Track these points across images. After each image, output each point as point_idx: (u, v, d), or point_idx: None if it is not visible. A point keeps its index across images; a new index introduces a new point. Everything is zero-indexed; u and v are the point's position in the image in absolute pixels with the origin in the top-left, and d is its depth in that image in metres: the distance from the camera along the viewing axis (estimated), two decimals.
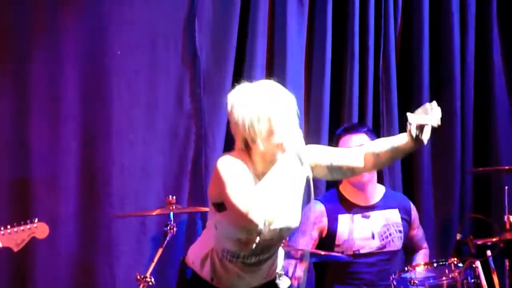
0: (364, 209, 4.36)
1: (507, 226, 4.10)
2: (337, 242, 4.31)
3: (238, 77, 4.60)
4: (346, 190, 4.39)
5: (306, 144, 3.07)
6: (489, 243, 4.13)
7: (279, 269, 3.29)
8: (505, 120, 5.13)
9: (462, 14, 5.11)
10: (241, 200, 2.91)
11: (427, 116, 2.93)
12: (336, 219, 4.33)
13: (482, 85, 5.15)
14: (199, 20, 4.60)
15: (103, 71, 4.48)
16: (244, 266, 3.13)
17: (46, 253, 4.32)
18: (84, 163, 4.43)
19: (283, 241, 3.34)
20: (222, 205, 3.01)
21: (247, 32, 4.67)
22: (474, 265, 4.02)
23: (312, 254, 4.19)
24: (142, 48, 4.54)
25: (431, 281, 4.02)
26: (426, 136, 2.95)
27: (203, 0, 4.61)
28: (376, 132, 4.71)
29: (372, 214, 4.36)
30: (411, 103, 5.04)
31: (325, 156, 3.17)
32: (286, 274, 3.84)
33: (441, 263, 4.02)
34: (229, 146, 4.49)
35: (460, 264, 3.95)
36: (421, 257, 4.50)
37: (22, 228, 3.72)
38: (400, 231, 4.38)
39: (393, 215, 4.39)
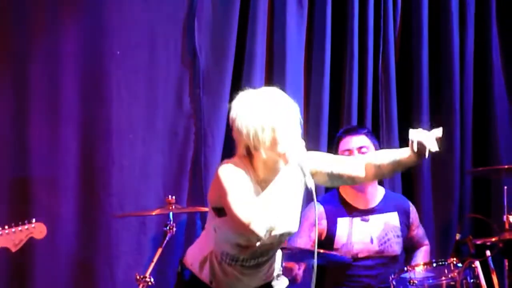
0: (364, 213, 4.35)
1: (506, 226, 4.10)
2: (335, 246, 4.30)
3: (237, 77, 4.64)
4: (346, 192, 4.38)
5: (306, 144, 3.07)
6: (488, 243, 4.13)
7: (277, 271, 3.30)
8: (505, 120, 5.13)
9: (461, 14, 5.11)
10: (243, 211, 2.90)
11: (428, 133, 2.98)
12: (335, 223, 4.33)
13: (481, 84, 5.15)
14: (198, 20, 4.60)
15: (102, 71, 4.48)
16: (243, 269, 3.14)
17: (46, 253, 4.32)
18: (84, 163, 4.44)
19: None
20: (222, 210, 3.01)
21: (246, 32, 4.67)
22: (473, 265, 4.02)
23: (312, 253, 4.17)
24: (141, 48, 4.54)
25: (431, 281, 4.02)
26: (427, 151, 2.98)
27: (203, 0, 4.61)
28: (376, 132, 4.71)
29: (371, 217, 4.35)
30: (410, 103, 5.05)
31: (326, 163, 3.18)
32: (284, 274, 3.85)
33: (440, 263, 4.02)
34: (228, 146, 4.54)
35: (460, 264, 3.95)
36: (422, 254, 4.48)
37: (20, 228, 3.71)
38: (398, 236, 4.37)
39: (392, 219, 4.38)
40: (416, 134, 3.00)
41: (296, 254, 4.08)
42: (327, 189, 4.58)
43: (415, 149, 2.99)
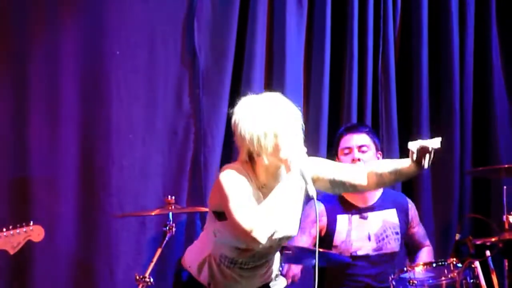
0: (363, 210, 4.36)
1: (506, 226, 4.10)
2: (334, 243, 4.31)
3: (237, 78, 4.64)
4: None
5: (305, 144, 3.07)
6: (488, 243, 4.13)
7: (275, 272, 3.30)
8: (505, 120, 5.13)
9: (461, 14, 5.11)
10: (245, 218, 2.90)
11: (427, 141, 3.00)
12: (335, 220, 4.34)
13: (481, 84, 5.15)
14: (198, 20, 4.60)
15: (102, 71, 4.48)
16: (241, 271, 3.15)
17: (46, 253, 4.32)
18: (84, 163, 4.44)
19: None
20: (222, 214, 3.01)
21: (246, 32, 4.67)
22: (473, 265, 4.02)
23: (311, 253, 4.16)
24: (141, 48, 4.54)
25: (430, 281, 4.02)
26: (427, 161, 3.00)
27: (202, 0, 4.61)
28: (375, 132, 4.71)
29: (370, 215, 4.36)
30: (410, 103, 5.05)
31: (328, 170, 3.18)
32: (282, 273, 3.85)
33: (440, 263, 4.02)
34: (228, 146, 4.54)
35: (459, 264, 3.95)
36: (425, 254, 4.48)
37: (18, 231, 3.72)
38: (397, 233, 4.37)
39: (390, 216, 4.39)
40: (415, 145, 3.01)
41: (297, 255, 4.08)
42: None
43: (415, 160, 3.02)
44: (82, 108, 4.46)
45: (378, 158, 4.44)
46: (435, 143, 3.00)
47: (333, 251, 4.28)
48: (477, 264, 4.04)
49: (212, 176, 4.51)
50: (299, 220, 3.17)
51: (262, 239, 2.91)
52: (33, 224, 3.77)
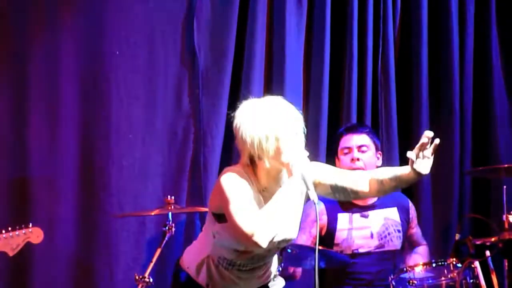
0: (363, 209, 4.37)
1: (506, 225, 4.10)
2: (336, 241, 4.31)
3: (236, 77, 4.63)
4: None
5: (305, 144, 3.07)
6: (488, 243, 4.13)
7: (273, 273, 3.30)
8: (504, 120, 5.13)
9: (461, 14, 5.11)
10: (246, 222, 2.90)
11: (424, 152, 3.01)
12: (336, 218, 4.34)
13: (481, 84, 5.15)
14: (197, 20, 4.60)
15: (102, 71, 4.48)
16: (239, 273, 3.15)
17: (45, 253, 4.32)
18: (83, 163, 4.43)
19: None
20: (222, 216, 3.01)
21: (245, 32, 4.67)
22: (473, 265, 4.03)
23: (312, 250, 4.16)
24: (141, 48, 4.54)
25: (430, 281, 4.02)
26: (426, 169, 3.01)
27: (202, 0, 4.61)
28: (375, 132, 4.70)
29: (371, 213, 4.36)
30: (410, 103, 5.04)
31: (330, 175, 3.19)
32: (283, 274, 3.84)
33: (440, 263, 4.02)
34: (227, 146, 4.54)
35: (459, 264, 3.95)
36: (421, 249, 4.48)
37: (17, 233, 3.72)
38: (399, 231, 4.38)
39: (392, 214, 4.39)
40: (413, 153, 3.01)
41: (297, 254, 4.07)
42: None
43: (414, 167, 3.02)
44: (82, 108, 4.45)
45: (378, 158, 4.45)
46: (431, 149, 3.01)
47: (335, 249, 4.28)
48: (477, 264, 4.05)
49: (212, 176, 4.51)
50: (299, 223, 3.17)
51: (263, 243, 2.91)
52: (32, 226, 3.77)
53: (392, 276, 4.07)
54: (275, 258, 3.28)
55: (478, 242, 4.07)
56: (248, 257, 3.10)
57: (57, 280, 4.39)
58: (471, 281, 4.03)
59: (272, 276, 3.30)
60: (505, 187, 4.31)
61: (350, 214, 4.34)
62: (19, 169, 4.37)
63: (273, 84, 4.72)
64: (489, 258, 4.20)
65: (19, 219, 3.86)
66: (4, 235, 3.69)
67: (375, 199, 4.39)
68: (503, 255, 4.26)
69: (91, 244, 4.43)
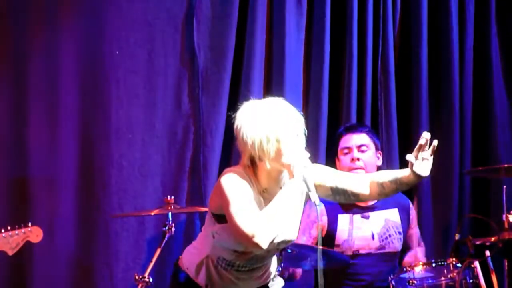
0: (364, 209, 4.36)
1: (506, 225, 4.10)
2: (336, 242, 4.31)
3: (236, 77, 4.63)
4: None
5: (306, 147, 3.07)
6: (487, 243, 4.12)
7: (273, 274, 3.30)
8: (504, 120, 5.13)
9: (461, 14, 5.10)
10: (247, 223, 2.90)
11: (424, 155, 3.02)
12: (336, 219, 4.33)
13: (481, 84, 5.15)
14: (197, 20, 4.60)
15: (101, 71, 4.48)
16: (238, 273, 3.15)
17: (45, 253, 4.32)
18: (83, 163, 4.44)
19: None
20: (222, 217, 3.01)
21: (245, 32, 4.67)
22: (472, 265, 4.02)
23: (312, 250, 4.15)
24: (140, 48, 4.54)
25: (430, 281, 4.02)
26: (426, 171, 3.03)
27: None
28: (375, 132, 4.70)
29: (371, 214, 4.36)
30: (410, 103, 5.04)
31: (330, 177, 3.19)
32: (283, 274, 3.84)
33: (439, 263, 4.02)
34: (227, 146, 4.53)
35: (459, 264, 3.95)
36: (418, 253, 4.47)
37: (16, 232, 3.72)
38: (399, 233, 4.37)
39: (393, 215, 4.39)
40: (412, 156, 3.02)
41: (297, 254, 4.07)
42: None
43: (414, 170, 3.03)
44: (82, 108, 4.46)
45: (378, 158, 4.45)
46: (430, 152, 3.01)
47: (335, 250, 4.27)
48: (476, 264, 4.04)
49: (212, 176, 4.51)
50: (299, 224, 3.17)
51: (264, 244, 2.91)
52: (31, 225, 3.77)
53: (391, 276, 4.07)
54: (274, 259, 3.28)
55: (478, 242, 4.07)
56: (247, 258, 3.10)
57: (56, 279, 4.39)
58: (471, 281, 4.02)
59: (272, 276, 3.30)
60: (505, 187, 4.30)
61: (351, 215, 4.34)
62: (19, 169, 4.37)
63: (272, 84, 4.72)
64: (489, 258, 4.20)
65: (18, 219, 3.86)
66: (3, 234, 3.69)
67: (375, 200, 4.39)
68: (503, 255, 4.26)
69: (90, 244, 4.43)
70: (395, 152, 4.91)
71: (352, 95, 4.83)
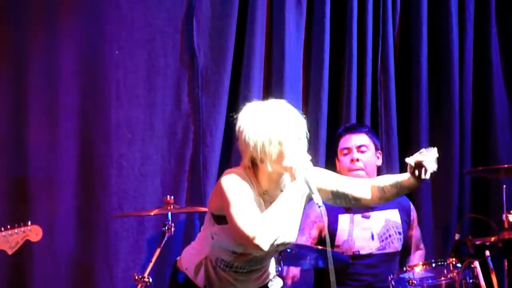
0: (364, 210, 4.35)
1: (506, 225, 4.09)
2: (337, 243, 4.30)
3: (236, 77, 4.63)
4: None
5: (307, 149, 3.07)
6: (487, 243, 4.12)
7: (272, 274, 3.30)
8: (504, 120, 5.13)
9: (461, 14, 5.11)
10: (248, 225, 2.89)
11: (424, 156, 3.00)
12: (336, 219, 4.33)
13: (481, 84, 5.15)
14: (197, 20, 4.60)
15: (101, 71, 4.48)
16: (236, 275, 3.15)
17: (44, 253, 4.32)
18: (82, 163, 4.43)
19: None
20: (222, 218, 3.01)
21: (245, 32, 4.67)
22: (472, 265, 4.02)
23: (311, 251, 4.15)
24: (140, 48, 4.54)
25: (430, 281, 4.02)
26: (425, 174, 3.01)
27: None
28: (375, 132, 4.70)
29: (372, 214, 4.36)
30: (409, 103, 5.04)
31: (331, 181, 3.18)
32: (281, 275, 3.83)
33: (439, 263, 4.02)
34: (227, 146, 4.53)
35: (459, 264, 3.95)
36: (417, 258, 4.48)
37: (16, 231, 3.72)
38: (399, 233, 4.37)
39: (393, 216, 4.39)
40: (412, 159, 3.01)
41: (296, 254, 4.07)
42: None
43: (413, 174, 3.02)
44: (82, 108, 4.45)
45: (378, 158, 4.45)
46: (431, 156, 3.00)
47: (335, 251, 4.27)
48: (476, 264, 4.04)
49: (211, 176, 4.51)
50: (299, 226, 3.17)
51: (265, 245, 2.91)
52: (31, 224, 3.77)
53: (391, 276, 4.07)
54: (273, 260, 3.28)
55: (477, 242, 4.07)
56: (245, 260, 3.10)
57: (56, 280, 4.39)
58: (471, 281, 4.02)
59: (271, 277, 3.29)
60: (504, 187, 4.30)
61: (351, 215, 4.34)
62: (19, 169, 4.37)
63: (272, 84, 4.72)
64: (489, 258, 4.20)
65: (18, 219, 3.86)
66: (3, 234, 3.69)
67: None
68: (503, 255, 4.26)
69: (90, 244, 4.43)
70: (395, 152, 4.91)
71: (352, 95, 4.83)
